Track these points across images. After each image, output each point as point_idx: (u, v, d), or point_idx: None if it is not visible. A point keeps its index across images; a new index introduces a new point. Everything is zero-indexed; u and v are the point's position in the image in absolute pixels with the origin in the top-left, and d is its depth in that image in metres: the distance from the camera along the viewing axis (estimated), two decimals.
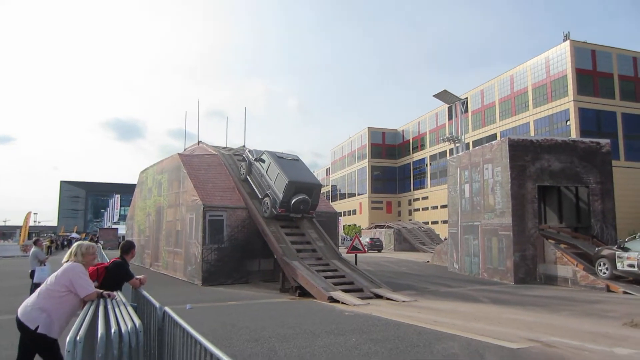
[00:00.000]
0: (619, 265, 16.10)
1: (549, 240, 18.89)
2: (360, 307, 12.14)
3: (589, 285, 16.34)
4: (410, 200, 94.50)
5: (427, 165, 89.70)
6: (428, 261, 30.06)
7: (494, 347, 7.61)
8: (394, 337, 8.35)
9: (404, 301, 13.22)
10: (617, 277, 16.30)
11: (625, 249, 16.11)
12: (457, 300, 13.77)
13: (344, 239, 63.16)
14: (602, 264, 16.83)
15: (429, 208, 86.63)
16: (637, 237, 16.57)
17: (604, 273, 16.60)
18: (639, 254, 15.57)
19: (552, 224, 21.89)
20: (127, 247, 6.62)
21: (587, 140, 20.31)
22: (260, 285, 17.84)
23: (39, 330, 4.55)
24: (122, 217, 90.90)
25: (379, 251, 47.43)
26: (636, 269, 15.59)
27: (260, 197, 19.12)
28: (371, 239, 49.09)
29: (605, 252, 16.78)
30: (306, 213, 18.28)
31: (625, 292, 15.12)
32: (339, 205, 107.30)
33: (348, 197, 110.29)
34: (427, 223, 72.70)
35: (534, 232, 18.86)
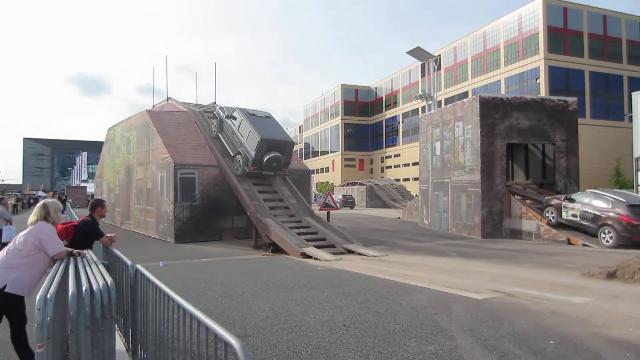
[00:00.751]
0: (564, 214, 17.14)
1: (516, 196, 19.47)
2: (332, 262, 12.40)
3: (551, 239, 17.04)
4: (382, 158, 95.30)
5: (399, 122, 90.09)
6: (399, 217, 30.65)
7: (460, 298, 7.93)
8: (364, 290, 8.59)
9: (375, 256, 13.55)
10: (562, 225, 17.32)
11: (572, 200, 17.04)
12: (427, 254, 14.18)
13: (317, 197, 63.65)
14: (550, 211, 17.88)
15: (401, 165, 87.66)
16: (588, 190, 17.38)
17: (551, 220, 17.62)
18: (581, 206, 16.59)
19: (519, 181, 22.51)
20: (96, 205, 6.53)
21: (555, 98, 20.67)
22: (234, 242, 18.00)
23: (6, 289, 4.51)
24: (91, 175, 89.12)
25: (351, 208, 48.04)
26: (578, 219, 16.69)
27: (232, 154, 19.00)
28: (344, 196, 49.63)
29: (554, 201, 17.75)
30: (279, 171, 18.34)
31: (584, 245, 15.85)
32: (311, 163, 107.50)
33: (321, 155, 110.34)
34: (398, 180, 73.73)
35: (502, 189, 19.38)
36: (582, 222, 16.54)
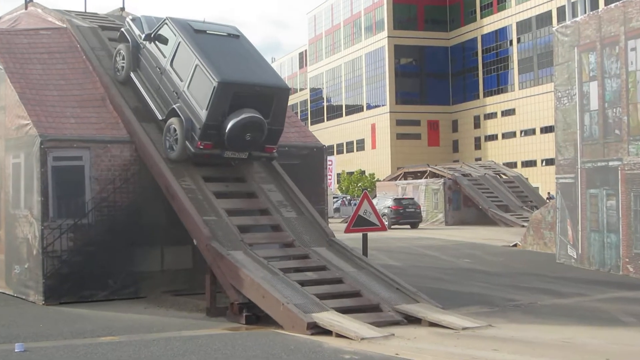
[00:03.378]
0: None
1: None
2: (376, 343, 12.31)
3: None
4: (477, 119, 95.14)
5: (511, 43, 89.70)
6: (516, 244, 30.61)
7: None
8: None
9: (465, 328, 13.45)
10: None
11: None
12: (574, 322, 14.08)
13: (340, 202, 63.54)
14: None
15: (517, 134, 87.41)
16: None
17: None
18: None
19: None
20: None
21: None
22: (167, 301, 17.97)
23: None
24: None
25: (414, 226, 48.18)
26: None
27: (160, 117, 18.94)
28: (397, 201, 49.45)
29: None
30: (259, 150, 18.23)
31: None
32: (328, 133, 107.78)
33: (347, 115, 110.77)
34: (512, 166, 73.36)
35: None
36: None
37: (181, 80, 18.24)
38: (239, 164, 18.63)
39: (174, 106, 18.28)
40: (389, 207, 47.56)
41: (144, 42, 19.75)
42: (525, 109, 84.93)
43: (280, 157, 19.41)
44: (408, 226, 47.51)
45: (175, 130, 18.07)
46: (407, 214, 48.26)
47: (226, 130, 17.39)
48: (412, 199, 51.01)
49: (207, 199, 17.55)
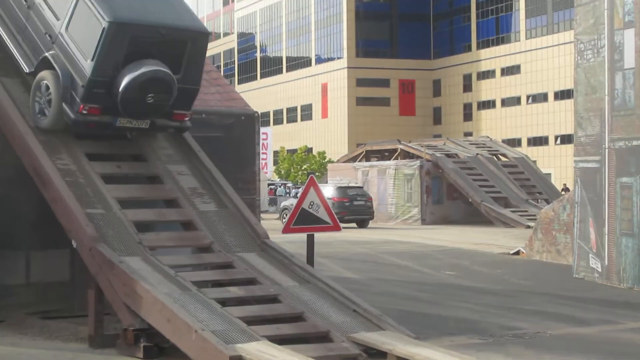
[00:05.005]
0: None
1: None
2: None
3: None
4: (468, 78, 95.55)
5: None
6: (518, 251, 31.00)
7: None
8: None
9: None
10: None
11: None
12: (597, 358, 14.21)
13: (277, 191, 63.56)
14: None
15: (523, 100, 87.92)
16: None
17: None
18: None
19: None
20: None
21: None
22: (34, 327, 17.72)
23: None
24: None
25: (362, 225, 48.80)
26: None
27: (27, 69, 18.71)
28: (341, 190, 49.37)
29: None
30: (165, 117, 18.15)
31: None
32: (262, 95, 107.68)
33: (288, 71, 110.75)
34: (516, 144, 73.83)
35: None
36: None
37: (57, 19, 17.95)
38: (137, 136, 18.47)
39: (46, 54, 18.02)
40: (330, 198, 47.29)
41: None
42: (535, 66, 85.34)
43: (195, 128, 19.23)
44: (354, 224, 47.62)
45: (48, 88, 17.82)
46: (354, 208, 48.35)
47: (120, 90, 17.18)
48: (361, 187, 50.81)
49: (92, 185, 17.29)
